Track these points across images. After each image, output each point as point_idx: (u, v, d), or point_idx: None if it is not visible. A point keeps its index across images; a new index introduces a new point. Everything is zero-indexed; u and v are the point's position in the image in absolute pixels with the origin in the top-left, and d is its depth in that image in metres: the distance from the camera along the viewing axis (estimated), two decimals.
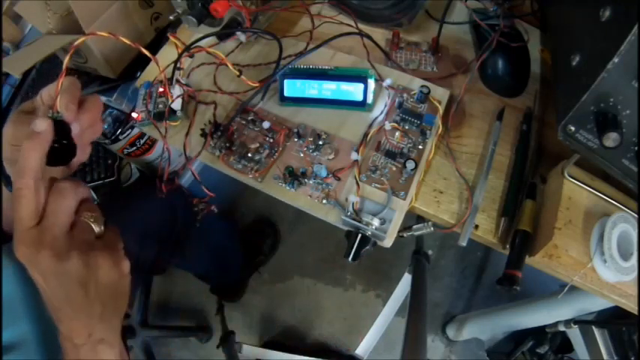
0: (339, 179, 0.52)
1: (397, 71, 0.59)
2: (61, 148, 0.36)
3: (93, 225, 0.37)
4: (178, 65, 0.55)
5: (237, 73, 0.54)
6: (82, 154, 0.42)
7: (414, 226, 0.51)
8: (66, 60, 0.38)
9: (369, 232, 0.48)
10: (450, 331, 1.19)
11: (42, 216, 0.35)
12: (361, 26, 0.61)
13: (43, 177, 0.37)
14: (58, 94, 0.37)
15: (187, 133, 0.55)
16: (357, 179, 0.51)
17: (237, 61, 0.60)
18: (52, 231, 0.34)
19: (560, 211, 0.47)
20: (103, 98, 0.70)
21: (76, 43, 0.39)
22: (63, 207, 0.36)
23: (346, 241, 0.49)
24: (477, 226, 0.51)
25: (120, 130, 0.67)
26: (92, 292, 0.36)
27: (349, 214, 0.48)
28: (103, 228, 0.38)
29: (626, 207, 0.49)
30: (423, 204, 0.52)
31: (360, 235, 0.47)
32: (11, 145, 0.39)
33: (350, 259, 0.47)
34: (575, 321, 0.73)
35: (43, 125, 0.35)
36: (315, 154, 0.54)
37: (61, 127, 0.36)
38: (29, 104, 0.40)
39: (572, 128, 0.42)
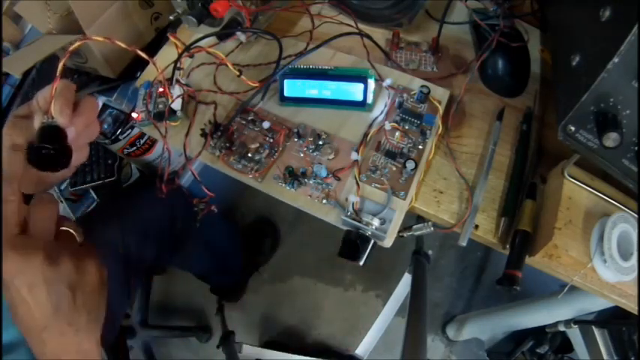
0: (339, 179, 0.52)
1: (397, 71, 0.59)
2: (56, 155, 0.36)
3: (75, 234, 0.38)
4: (178, 65, 0.55)
5: (237, 73, 0.54)
6: (81, 156, 0.42)
7: (414, 226, 0.51)
8: (60, 64, 0.38)
9: (369, 232, 0.48)
10: (450, 331, 1.19)
11: (27, 225, 0.35)
12: (361, 26, 0.61)
13: (39, 181, 0.37)
14: (52, 99, 0.37)
15: (187, 133, 0.55)
16: (357, 179, 0.51)
17: (237, 61, 0.60)
18: (42, 237, 0.35)
19: (560, 211, 0.47)
20: (103, 98, 0.70)
21: (71, 48, 0.39)
22: (48, 215, 0.36)
23: (343, 243, 0.49)
24: (477, 226, 0.51)
25: (120, 130, 0.67)
26: (80, 298, 0.36)
27: (349, 214, 0.48)
28: (82, 238, 0.38)
29: (626, 207, 0.49)
30: (423, 204, 0.52)
31: (372, 241, 0.48)
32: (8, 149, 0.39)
33: (361, 263, 0.47)
34: (575, 321, 0.73)
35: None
36: (315, 154, 0.54)
37: (55, 133, 0.37)
38: (25, 108, 0.39)
39: (572, 128, 0.42)
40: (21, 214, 0.35)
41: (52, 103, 0.37)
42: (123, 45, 0.42)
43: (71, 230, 0.38)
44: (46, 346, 0.35)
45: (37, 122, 0.37)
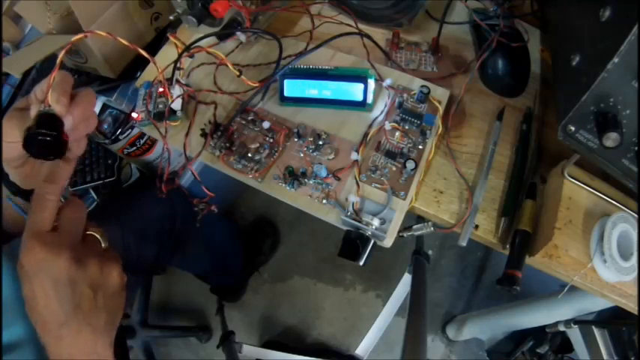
0: (339, 179, 0.52)
1: (397, 71, 0.59)
2: (51, 141, 0.36)
3: (100, 239, 0.39)
4: (178, 65, 0.55)
5: (237, 73, 0.54)
6: (78, 148, 0.42)
7: (414, 226, 0.51)
8: (60, 56, 0.38)
9: (369, 232, 0.48)
10: (450, 331, 1.19)
11: (58, 224, 0.36)
12: (361, 26, 0.61)
13: (48, 177, 0.38)
14: (50, 89, 0.37)
15: (187, 133, 0.55)
16: (357, 179, 0.51)
17: (237, 61, 0.60)
18: (71, 237, 0.36)
19: (560, 211, 0.47)
20: (103, 98, 0.70)
21: (72, 39, 0.39)
22: (79, 217, 0.38)
23: (343, 242, 0.49)
24: (477, 226, 0.51)
25: (120, 130, 0.67)
26: (100, 300, 0.37)
27: (349, 214, 0.48)
28: (107, 244, 0.40)
29: (626, 207, 0.49)
30: (423, 204, 0.52)
31: (372, 241, 0.48)
32: (6, 142, 0.39)
33: (362, 263, 0.47)
34: (575, 321, 0.73)
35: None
36: (315, 154, 0.54)
37: (52, 121, 0.37)
38: (23, 101, 0.40)
39: (572, 128, 0.42)
40: (55, 214, 0.36)
41: (48, 93, 0.37)
42: (124, 41, 0.42)
43: (97, 235, 0.39)
44: (62, 342, 0.35)
45: (34, 111, 0.38)
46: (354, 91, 0.54)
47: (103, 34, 0.42)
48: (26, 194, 0.44)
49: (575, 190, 0.48)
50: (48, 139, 0.36)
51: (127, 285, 0.41)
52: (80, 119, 0.39)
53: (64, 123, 0.38)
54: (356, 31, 0.59)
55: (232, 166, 0.53)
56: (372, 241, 0.48)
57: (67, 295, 0.34)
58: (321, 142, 0.54)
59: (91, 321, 0.36)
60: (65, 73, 0.39)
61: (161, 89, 0.55)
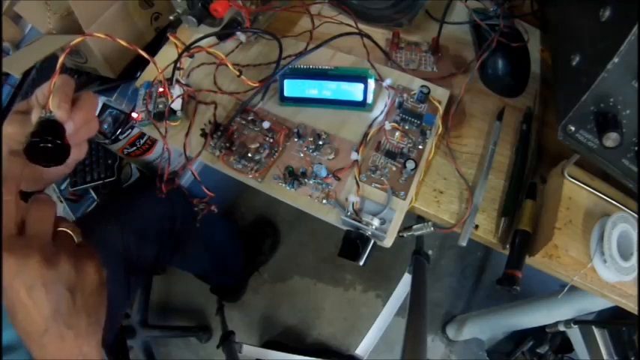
0: (339, 179, 0.52)
1: (397, 71, 0.59)
2: (54, 149, 0.36)
3: (73, 234, 0.37)
4: (178, 65, 0.55)
5: (237, 73, 0.54)
6: (79, 152, 0.41)
7: (414, 226, 0.51)
8: (60, 60, 0.38)
9: (369, 232, 0.48)
10: (450, 331, 1.19)
11: (24, 225, 0.34)
12: (361, 26, 0.61)
13: (38, 179, 0.37)
14: (51, 94, 0.37)
15: (187, 133, 0.55)
16: (357, 179, 0.51)
17: (237, 61, 0.60)
18: (39, 238, 0.34)
19: (560, 211, 0.47)
20: (103, 98, 0.70)
21: (72, 43, 0.39)
22: (46, 216, 0.35)
23: (343, 242, 0.49)
24: (477, 226, 0.51)
25: (120, 130, 0.67)
26: (79, 300, 0.35)
27: (349, 214, 0.48)
28: (81, 238, 0.38)
29: (626, 207, 0.49)
30: (423, 204, 0.52)
31: (372, 241, 0.48)
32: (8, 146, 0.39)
33: (362, 263, 0.47)
34: (575, 321, 0.73)
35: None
36: (315, 154, 0.54)
37: (53, 127, 0.36)
38: (24, 104, 0.39)
39: (572, 128, 0.42)
40: (18, 215, 0.34)
41: (50, 98, 0.36)
42: (123, 43, 0.42)
43: (69, 231, 0.37)
44: (46, 350, 0.34)
45: (35, 116, 0.37)
46: (354, 91, 0.54)
47: (102, 36, 0.42)
48: (27, 197, 0.44)
49: (575, 190, 0.48)
50: (49, 146, 0.35)
51: (110, 278, 0.39)
52: (81, 124, 0.39)
53: (65, 129, 0.37)
54: (356, 31, 0.59)
55: (232, 166, 0.53)
56: (372, 241, 0.48)
57: (44, 300, 0.33)
58: (321, 142, 0.54)
59: (72, 324, 0.34)
60: (66, 77, 0.38)
61: (161, 89, 0.55)
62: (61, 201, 0.79)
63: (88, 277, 0.36)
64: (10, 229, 0.33)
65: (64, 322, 0.34)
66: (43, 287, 0.33)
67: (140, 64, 0.69)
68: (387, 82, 0.56)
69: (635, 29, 0.32)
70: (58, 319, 0.34)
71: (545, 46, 0.64)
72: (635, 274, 0.45)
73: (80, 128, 0.39)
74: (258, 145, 0.54)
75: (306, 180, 0.52)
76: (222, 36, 0.59)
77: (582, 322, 0.73)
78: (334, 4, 0.64)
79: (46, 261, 0.33)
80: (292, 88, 0.55)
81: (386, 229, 0.48)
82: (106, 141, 0.68)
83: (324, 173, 0.51)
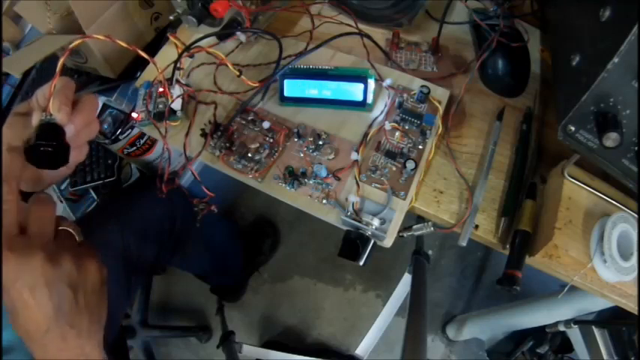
0: (339, 179, 0.52)
1: (397, 71, 0.59)
2: (54, 152, 0.36)
3: (74, 233, 0.37)
4: (178, 65, 0.55)
5: (237, 73, 0.54)
6: (79, 154, 0.41)
7: (414, 226, 0.51)
8: (60, 61, 0.38)
9: (369, 232, 0.48)
10: (450, 331, 1.19)
11: (26, 225, 0.34)
12: (361, 26, 0.61)
13: (38, 180, 0.37)
14: (51, 96, 0.36)
15: (187, 133, 0.55)
16: (357, 179, 0.51)
17: (237, 61, 0.60)
18: (41, 238, 0.34)
19: (560, 211, 0.47)
20: (103, 98, 0.70)
21: (71, 45, 0.39)
22: (47, 215, 0.36)
23: (343, 242, 0.49)
24: (477, 226, 0.51)
25: (120, 130, 0.67)
26: (81, 299, 0.35)
27: (349, 214, 0.48)
28: (82, 237, 0.38)
29: (626, 207, 0.49)
30: (423, 204, 0.52)
31: (372, 241, 0.48)
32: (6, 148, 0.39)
33: (362, 263, 0.47)
34: (575, 321, 0.73)
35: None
36: (315, 154, 0.54)
37: (53, 130, 0.36)
38: (24, 106, 0.39)
39: (572, 128, 0.42)
40: (19, 215, 0.34)
41: (50, 100, 0.36)
42: (123, 44, 0.42)
43: (70, 230, 0.37)
44: (48, 350, 0.34)
45: (36, 119, 0.37)
46: (354, 91, 0.54)
47: (102, 37, 0.42)
48: (27, 197, 0.43)
49: (575, 190, 0.48)
50: (50, 149, 0.35)
51: (110, 278, 0.39)
52: (82, 126, 0.39)
53: (65, 132, 0.37)
54: (356, 31, 0.59)
55: (232, 166, 0.53)
56: (372, 241, 0.48)
57: (46, 299, 0.33)
58: (321, 142, 0.54)
59: (74, 323, 0.34)
60: (67, 79, 0.38)
61: (161, 89, 0.55)
62: (61, 201, 0.79)
63: (90, 275, 0.36)
64: (12, 228, 0.33)
65: (66, 321, 0.34)
66: (45, 286, 0.33)
67: (140, 64, 0.69)
68: (387, 82, 0.56)
69: (635, 29, 0.32)
70: (61, 318, 0.34)
71: (545, 46, 0.64)
72: (635, 274, 0.45)
73: (81, 131, 0.39)
74: (258, 145, 0.54)
75: (306, 180, 0.52)
76: (222, 36, 0.59)
77: (582, 322, 0.73)
78: (334, 4, 0.64)
79: (48, 260, 0.33)
80: (292, 88, 0.55)
81: (386, 229, 0.48)
82: (106, 141, 0.68)
83: (324, 173, 0.51)
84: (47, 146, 0.35)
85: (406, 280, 1.16)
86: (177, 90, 0.55)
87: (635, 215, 0.48)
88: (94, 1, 0.62)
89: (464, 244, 0.49)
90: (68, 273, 0.34)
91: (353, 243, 0.48)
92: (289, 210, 1.33)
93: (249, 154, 0.53)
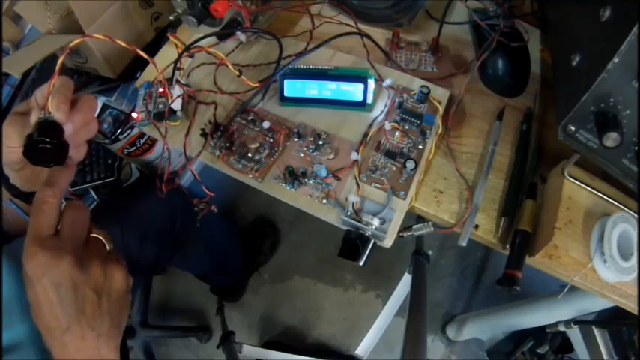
0: (339, 179, 0.52)
1: (397, 71, 0.59)
2: (52, 149, 0.36)
3: (104, 241, 0.39)
4: (178, 65, 0.55)
5: (237, 73, 0.54)
6: (78, 154, 0.42)
7: (414, 226, 0.51)
8: (60, 60, 0.38)
9: (369, 232, 0.48)
10: (450, 331, 1.19)
11: (59, 227, 0.36)
12: (361, 26, 0.61)
13: (40, 179, 0.37)
14: (50, 95, 0.37)
15: (187, 133, 0.55)
16: (357, 179, 0.51)
17: (237, 61, 0.60)
18: (73, 240, 0.35)
19: (560, 211, 0.47)
20: (103, 98, 0.70)
21: (71, 44, 0.39)
22: (80, 221, 0.37)
23: (343, 242, 0.49)
24: (477, 226, 0.51)
25: (120, 130, 0.67)
26: (104, 303, 0.36)
27: (349, 214, 0.48)
28: (112, 246, 0.39)
29: (626, 207, 0.49)
30: (423, 204, 0.52)
31: (372, 241, 0.48)
32: (7, 147, 0.39)
33: (362, 263, 0.47)
34: (575, 321, 0.73)
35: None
36: (315, 154, 0.54)
37: (52, 129, 0.37)
38: (24, 105, 0.40)
39: (572, 128, 0.42)
40: (57, 217, 0.36)
41: (49, 99, 0.37)
42: (123, 44, 0.42)
43: (101, 237, 0.38)
44: (66, 348, 0.35)
45: (35, 117, 0.37)
46: (354, 91, 0.54)
47: (102, 37, 0.42)
48: (27, 197, 0.43)
49: (575, 190, 0.48)
50: (48, 147, 0.36)
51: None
52: (81, 125, 0.39)
53: (64, 130, 0.37)
54: (356, 31, 0.59)
55: (232, 166, 0.53)
56: (372, 241, 0.48)
57: (70, 299, 0.34)
58: (321, 142, 0.54)
59: (95, 326, 0.35)
60: (66, 79, 0.38)
61: (161, 89, 0.55)
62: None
63: (116, 283, 0.37)
64: (47, 228, 0.35)
65: (87, 322, 0.35)
66: (71, 286, 0.34)
67: (140, 64, 0.69)
68: (387, 82, 0.56)
69: (635, 29, 0.32)
70: (82, 319, 0.35)
71: (545, 46, 0.64)
72: (635, 274, 0.45)
73: (79, 130, 0.39)
74: (258, 145, 0.54)
75: (306, 180, 0.52)
76: (222, 36, 0.59)
77: (582, 322, 0.73)
78: (334, 4, 0.64)
79: (77, 262, 0.34)
80: (292, 88, 0.55)
81: (386, 229, 0.48)
82: (106, 141, 0.68)
83: (324, 173, 0.51)
84: (46, 143, 0.36)
85: (406, 280, 1.16)
86: (177, 90, 0.55)
87: (635, 215, 0.48)
88: (94, 1, 0.62)
89: (464, 244, 0.49)
90: (95, 278, 0.35)
91: (353, 243, 0.48)
92: (289, 210, 1.32)
93: (249, 154, 0.53)
